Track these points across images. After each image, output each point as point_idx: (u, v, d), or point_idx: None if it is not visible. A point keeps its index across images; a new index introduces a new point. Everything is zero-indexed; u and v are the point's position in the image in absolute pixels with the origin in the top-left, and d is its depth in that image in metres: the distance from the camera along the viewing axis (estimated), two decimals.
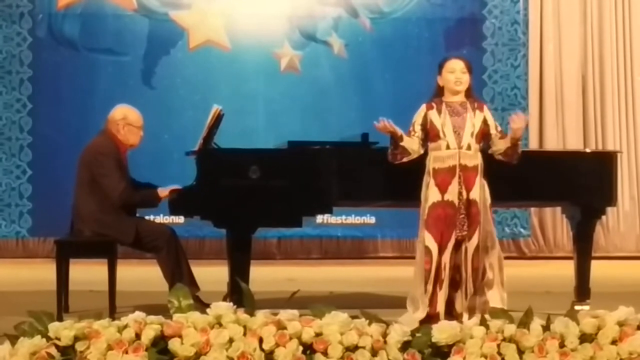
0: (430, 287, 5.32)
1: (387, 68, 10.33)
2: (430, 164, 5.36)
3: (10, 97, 10.20)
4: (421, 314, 5.27)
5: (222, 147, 5.97)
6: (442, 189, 5.33)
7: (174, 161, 8.79)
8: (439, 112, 5.39)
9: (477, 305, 5.31)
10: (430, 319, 5.13)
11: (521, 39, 10.57)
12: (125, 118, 6.09)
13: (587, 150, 9.02)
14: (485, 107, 5.47)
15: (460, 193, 5.33)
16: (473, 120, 5.37)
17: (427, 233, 5.34)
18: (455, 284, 5.38)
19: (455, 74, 5.40)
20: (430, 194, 5.35)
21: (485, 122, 5.40)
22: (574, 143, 10.53)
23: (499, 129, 5.46)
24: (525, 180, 5.84)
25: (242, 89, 10.20)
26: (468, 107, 5.40)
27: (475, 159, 5.35)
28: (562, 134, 10.69)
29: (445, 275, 5.33)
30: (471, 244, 5.33)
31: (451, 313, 5.29)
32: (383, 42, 10.42)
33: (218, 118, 5.88)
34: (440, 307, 5.32)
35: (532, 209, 10.32)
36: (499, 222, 10.34)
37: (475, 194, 5.34)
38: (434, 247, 5.32)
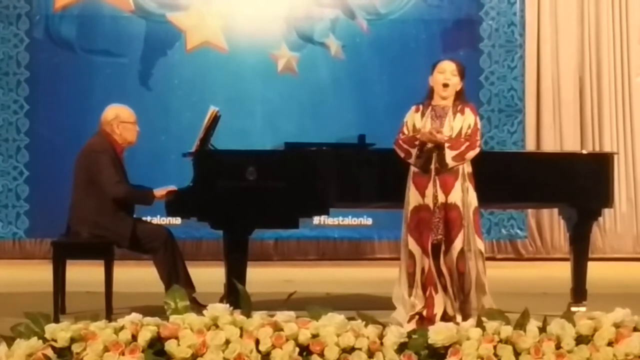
0: (419, 291, 5.33)
1: (384, 69, 10.33)
2: (411, 167, 5.37)
3: (7, 98, 10.20)
4: (408, 314, 5.29)
5: (219, 148, 5.97)
6: (421, 193, 5.33)
7: (171, 162, 8.79)
8: (422, 115, 5.39)
9: (473, 313, 5.27)
10: (427, 321, 5.13)
11: (518, 40, 10.58)
12: (118, 117, 6.10)
13: (584, 151, 9.03)
14: (467, 110, 5.38)
15: (435, 197, 5.31)
16: (452, 124, 5.33)
17: (409, 237, 5.35)
18: (443, 288, 5.37)
19: (445, 74, 5.40)
20: (412, 197, 5.37)
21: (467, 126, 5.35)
22: (571, 144, 10.53)
23: (470, 131, 5.31)
24: (522, 181, 5.85)
25: (240, 90, 10.19)
26: (450, 111, 5.38)
27: None
28: (559, 135, 10.69)
29: (443, 277, 5.32)
30: (454, 248, 5.30)
31: (443, 316, 5.29)
32: (380, 44, 10.41)
33: (215, 119, 5.89)
34: (438, 310, 5.32)
35: (529, 210, 10.32)
36: (496, 223, 10.35)
37: (455, 198, 5.30)
38: (417, 251, 5.34)
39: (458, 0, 10.51)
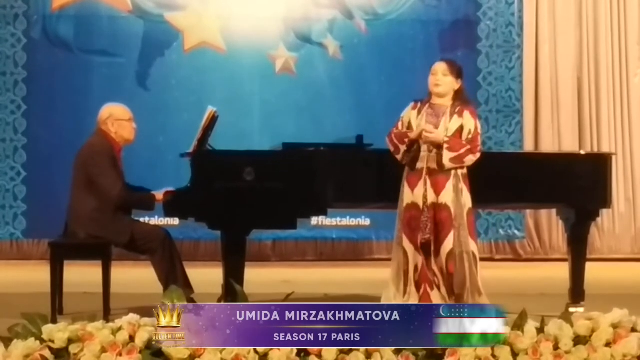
0: (413, 289, 5.30)
1: (382, 70, 10.33)
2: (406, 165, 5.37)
3: (5, 98, 10.18)
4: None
5: (216, 148, 5.96)
6: (412, 191, 5.33)
7: (169, 163, 8.77)
8: (419, 112, 5.38)
9: None
10: None
11: (516, 40, 10.57)
12: (112, 115, 6.09)
13: (582, 152, 9.03)
14: (466, 113, 5.32)
15: (425, 196, 5.29)
16: (447, 125, 5.28)
17: (403, 234, 5.34)
18: (437, 287, 5.34)
19: (437, 76, 5.38)
20: (405, 195, 5.35)
21: (462, 127, 5.32)
22: (570, 145, 10.53)
23: (471, 137, 5.27)
24: (520, 182, 5.85)
25: (237, 90, 10.19)
26: (448, 111, 5.34)
27: None
28: (558, 135, 10.69)
29: (436, 276, 5.28)
30: (444, 249, 5.24)
31: None
32: (378, 44, 10.41)
33: (213, 120, 5.88)
34: None
35: (527, 211, 10.32)
36: (494, 224, 10.36)
37: (446, 198, 5.24)
38: (409, 248, 5.32)
39: (456, 0, 10.50)
